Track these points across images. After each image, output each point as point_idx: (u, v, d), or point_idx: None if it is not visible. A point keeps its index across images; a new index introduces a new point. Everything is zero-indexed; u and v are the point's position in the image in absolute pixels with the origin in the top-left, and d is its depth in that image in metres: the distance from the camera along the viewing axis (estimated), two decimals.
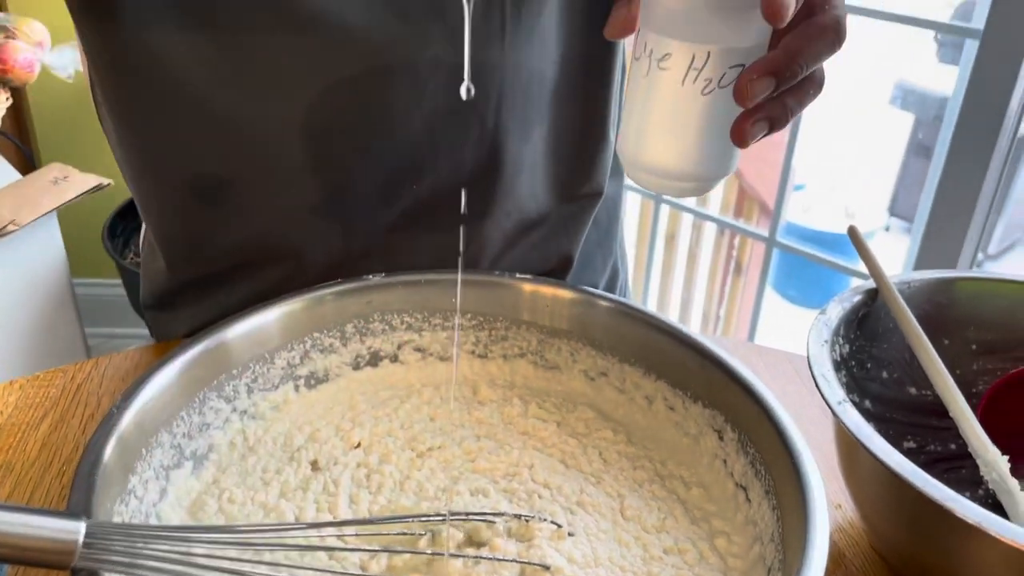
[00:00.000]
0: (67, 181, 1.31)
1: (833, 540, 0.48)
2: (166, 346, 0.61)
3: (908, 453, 0.49)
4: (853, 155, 2.98)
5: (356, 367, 0.54)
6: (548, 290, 0.54)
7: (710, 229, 1.82)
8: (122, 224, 1.66)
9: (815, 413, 0.54)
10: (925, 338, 0.48)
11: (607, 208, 0.68)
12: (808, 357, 0.45)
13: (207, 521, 0.43)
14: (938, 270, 0.53)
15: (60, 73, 1.40)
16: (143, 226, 0.65)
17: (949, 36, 2.66)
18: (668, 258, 1.81)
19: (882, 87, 2.82)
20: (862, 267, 0.80)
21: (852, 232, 0.53)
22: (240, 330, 0.48)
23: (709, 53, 0.37)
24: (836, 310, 0.49)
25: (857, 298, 0.50)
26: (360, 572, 0.40)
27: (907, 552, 0.44)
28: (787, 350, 0.64)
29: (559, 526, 0.43)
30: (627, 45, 0.61)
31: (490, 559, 0.40)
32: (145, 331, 0.68)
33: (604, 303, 0.53)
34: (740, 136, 0.39)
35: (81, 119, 1.67)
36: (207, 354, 0.47)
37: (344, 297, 0.53)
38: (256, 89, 0.51)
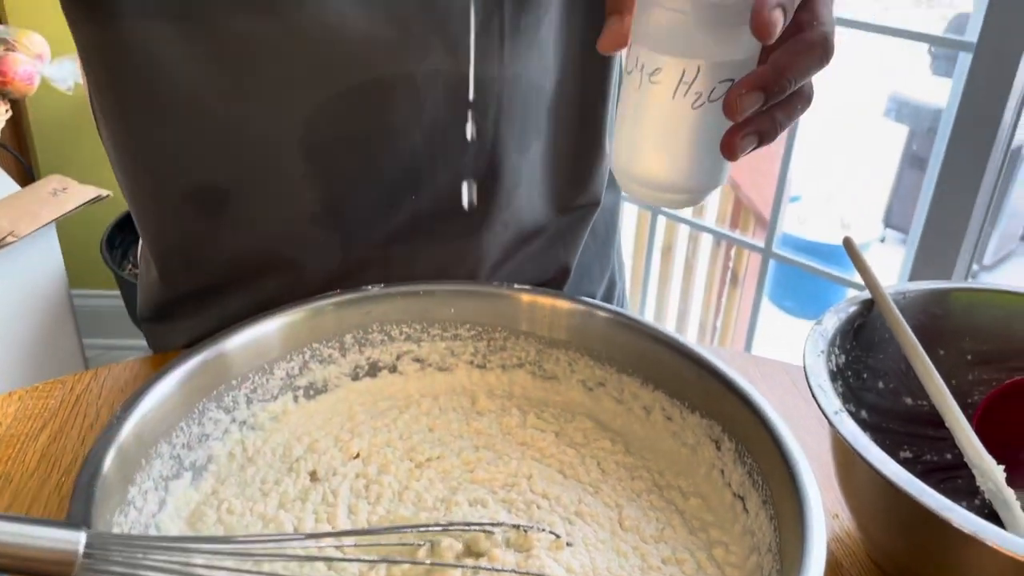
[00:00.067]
0: (66, 193, 1.31)
1: (830, 550, 0.48)
2: (165, 357, 0.61)
3: (904, 463, 0.49)
4: (848, 167, 3.00)
5: (355, 378, 0.54)
6: (546, 300, 0.54)
7: (706, 240, 1.83)
8: (121, 236, 1.66)
9: (812, 423, 0.54)
10: (921, 349, 0.48)
11: (604, 219, 0.68)
12: (804, 367, 0.46)
13: (206, 532, 0.43)
14: (933, 281, 0.54)
15: (60, 85, 1.41)
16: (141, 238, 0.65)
17: (943, 49, 2.69)
18: (665, 269, 1.81)
19: (877, 99, 2.84)
20: (858, 278, 0.81)
21: (847, 243, 0.53)
22: (239, 341, 0.49)
23: (699, 68, 0.38)
24: (832, 321, 0.49)
25: (853, 309, 0.51)
26: None
27: (903, 562, 0.44)
28: (784, 360, 0.64)
29: (557, 536, 0.43)
30: (623, 57, 0.62)
31: (489, 569, 0.40)
32: (144, 342, 0.68)
33: (602, 313, 0.53)
34: (729, 149, 0.39)
35: (80, 131, 1.67)
36: (206, 365, 0.47)
37: (343, 308, 0.53)
38: (255, 100, 0.51)
